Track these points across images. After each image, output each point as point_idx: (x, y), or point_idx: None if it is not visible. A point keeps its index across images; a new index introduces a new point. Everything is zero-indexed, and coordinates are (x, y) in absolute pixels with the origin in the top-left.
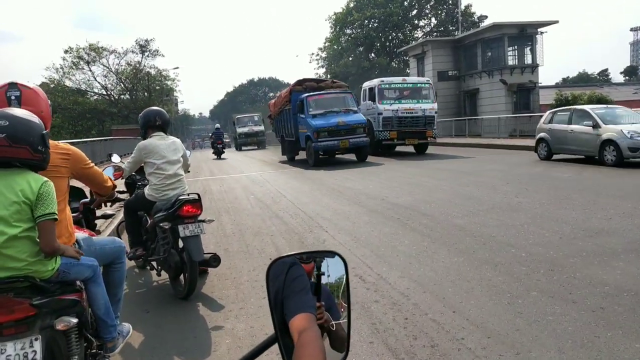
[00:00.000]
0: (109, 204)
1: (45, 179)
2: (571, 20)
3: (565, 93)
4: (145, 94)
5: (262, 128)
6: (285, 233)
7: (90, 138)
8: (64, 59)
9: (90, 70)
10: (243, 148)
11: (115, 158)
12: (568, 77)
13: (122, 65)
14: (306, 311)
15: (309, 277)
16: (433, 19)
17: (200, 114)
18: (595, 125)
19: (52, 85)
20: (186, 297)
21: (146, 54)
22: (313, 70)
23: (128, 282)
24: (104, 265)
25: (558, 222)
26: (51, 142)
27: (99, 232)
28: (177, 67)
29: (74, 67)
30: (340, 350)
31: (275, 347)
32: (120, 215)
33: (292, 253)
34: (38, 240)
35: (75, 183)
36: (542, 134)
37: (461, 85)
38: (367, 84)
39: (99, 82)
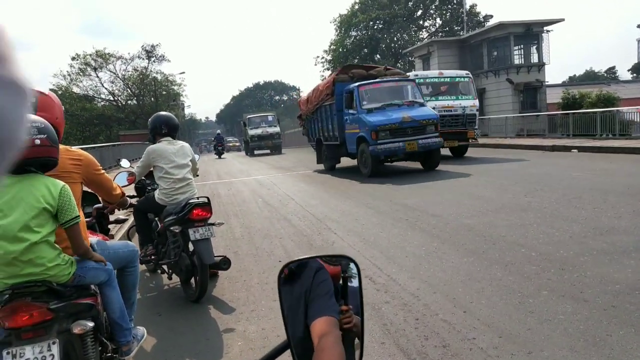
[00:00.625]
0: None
1: (63, 183)
2: (577, 18)
3: (573, 91)
4: (152, 99)
5: (277, 129)
6: (294, 235)
7: (98, 144)
8: (71, 65)
9: (98, 77)
10: (256, 152)
11: (125, 163)
12: (575, 75)
13: (128, 71)
14: (329, 314)
15: (334, 281)
16: (438, 20)
17: (207, 118)
18: None
19: (59, 92)
20: (197, 299)
21: (152, 59)
22: (319, 73)
23: (139, 286)
24: (118, 269)
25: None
26: (63, 147)
27: (112, 237)
28: (183, 72)
29: (81, 73)
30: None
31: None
32: (131, 220)
33: (302, 257)
34: (56, 245)
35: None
36: None
37: None
38: None
39: (105, 88)
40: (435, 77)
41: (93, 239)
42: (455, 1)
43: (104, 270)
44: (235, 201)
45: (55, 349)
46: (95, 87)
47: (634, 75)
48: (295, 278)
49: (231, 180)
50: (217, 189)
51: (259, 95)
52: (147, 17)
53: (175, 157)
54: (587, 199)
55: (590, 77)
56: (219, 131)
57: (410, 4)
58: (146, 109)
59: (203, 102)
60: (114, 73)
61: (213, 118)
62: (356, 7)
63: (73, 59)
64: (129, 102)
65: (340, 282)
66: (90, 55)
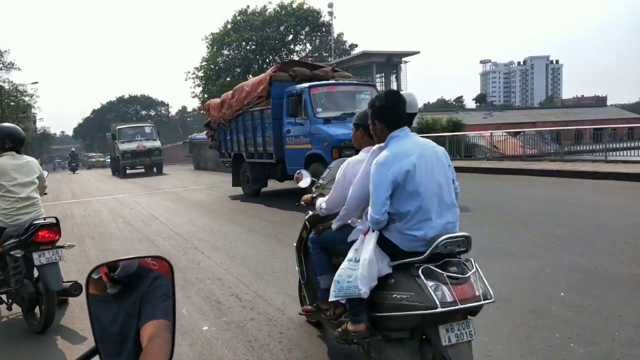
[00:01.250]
0: None
1: None
2: (431, 51)
3: (427, 117)
4: None
5: (158, 144)
6: None
7: None
8: None
9: None
10: (129, 171)
11: None
12: (429, 102)
13: None
14: (161, 317)
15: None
16: (308, 45)
17: (63, 132)
18: None
19: None
20: (42, 330)
21: None
22: (190, 89)
23: None
24: None
25: None
26: None
27: None
28: (36, 82)
29: None
30: None
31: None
32: None
33: (116, 260)
34: None
35: None
36: None
37: None
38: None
39: None
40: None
41: None
42: (324, 29)
43: None
44: (91, 222)
45: None
46: None
47: (477, 104)
48: (131, 286)
49: (88, 200)
50: (70, 209)
51: (124, 109)
52: None
53: (18, 174)
54: None
55: (441, 105)
56: (73, 148)
57: (281, 28)
58: None
59: (59, 115)
60: None
61: (70, 132)
62: (229, 26)
63: None
64: None
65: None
66: None
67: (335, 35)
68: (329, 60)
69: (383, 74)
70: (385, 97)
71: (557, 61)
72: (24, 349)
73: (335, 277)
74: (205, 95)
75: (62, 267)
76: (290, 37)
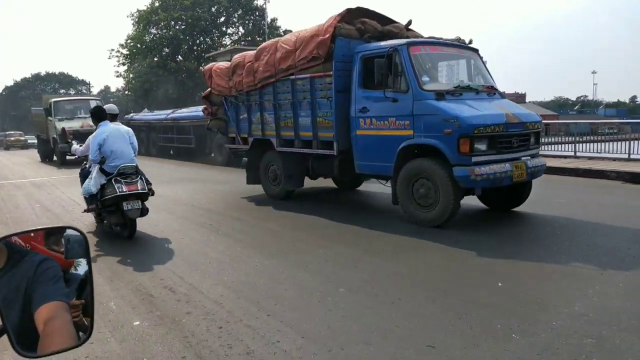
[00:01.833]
0: None
1: None
2: None
3: None
4: None
5: None
6: None
7: None
8: None
9: None
10: (69, 157)
11: None
12: None
13: None
14: (56, 299)
15: (68, 270)
16: (241, 28)
17: None
18: None
19: None
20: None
21: None
22: (113, 67)
23: None
24: None
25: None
26: None
27: None
28: None
29: None
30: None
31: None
32: None
33: (21, 231)
34: None
35: None
36: None
37: None
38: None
39: None
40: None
41: None
42: (257, 13)
43: None
44: (5, 207)
45: None
46: None
47: None
48: (13, 268)
49: (1, 183)
50: None
51: (40, 87)
52: None
53: None
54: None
55: None
56: None
57: (213, 9)
58: None
59: None
60: None
61: None
62: (157, 3)
63: None
64: None
65: (76, 270)
66: None
67: (269, 20)
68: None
69: None
70: (96, 108)
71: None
72: None
73: (84, 185)
74: (131, 75)
75: None
76: (223, 19)
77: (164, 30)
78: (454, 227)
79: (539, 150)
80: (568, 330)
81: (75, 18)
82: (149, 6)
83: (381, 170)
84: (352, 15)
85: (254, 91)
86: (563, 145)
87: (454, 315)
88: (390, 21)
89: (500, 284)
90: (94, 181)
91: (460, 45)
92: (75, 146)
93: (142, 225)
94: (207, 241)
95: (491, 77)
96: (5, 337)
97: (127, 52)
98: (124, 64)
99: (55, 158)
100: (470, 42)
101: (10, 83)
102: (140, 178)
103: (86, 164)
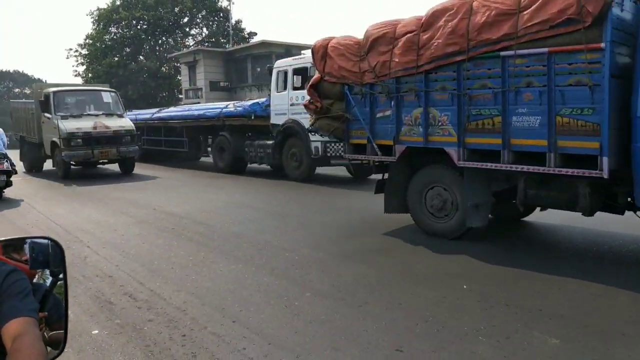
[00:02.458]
0: None
1: None
2: None
3: None
4: None
5: (128, 123)
6: None
7: None
8: None
9: None
10: (73, 166)
11: None
12: None
13: None
14: (24, 315)
15: (31, 281)
16: (205, 29)
17: None
18: None
19: None
20: None
21: None
22: (72, 67)
23: None
24: None
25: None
26: None
27: None
28: None
29: None
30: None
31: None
32: None
33: None
34: None
35: None
36: None
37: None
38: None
39: None
40: None
41: None
42: (221, 14)
43: None
44: None
45: None
46: None
47: None
48: None
49: None
50: None
51: None
52: None
53: None
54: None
55: None
56: None
57: (176, 9)
58: None
59: None
60: None
61: None
62: (118, 2)
63: None
64: None
65: (41, 281)
66: None
67: (233, 21)
68: (227, 47)
69: None
70: None
71: None
72: None
73: None
74: (90, 75)
75: None
76: (186, 19)
77: (125, 30)
78: (420, 231)
79: None
80: (531, 329)
81: (31, 14)
82: (109, 4)
83: None
84: None
85: (410, 76)
86: None
87: (421, 319)
88: None
89: (465, 286)
90: None
91: None
92: None
93: (100, 229)
94: (169, 246)
95: None
96: None
97: (87, 52)
98: (82, 64)
99: (54, 167)
100: None
101: None
102: (7, 160)
103: None
